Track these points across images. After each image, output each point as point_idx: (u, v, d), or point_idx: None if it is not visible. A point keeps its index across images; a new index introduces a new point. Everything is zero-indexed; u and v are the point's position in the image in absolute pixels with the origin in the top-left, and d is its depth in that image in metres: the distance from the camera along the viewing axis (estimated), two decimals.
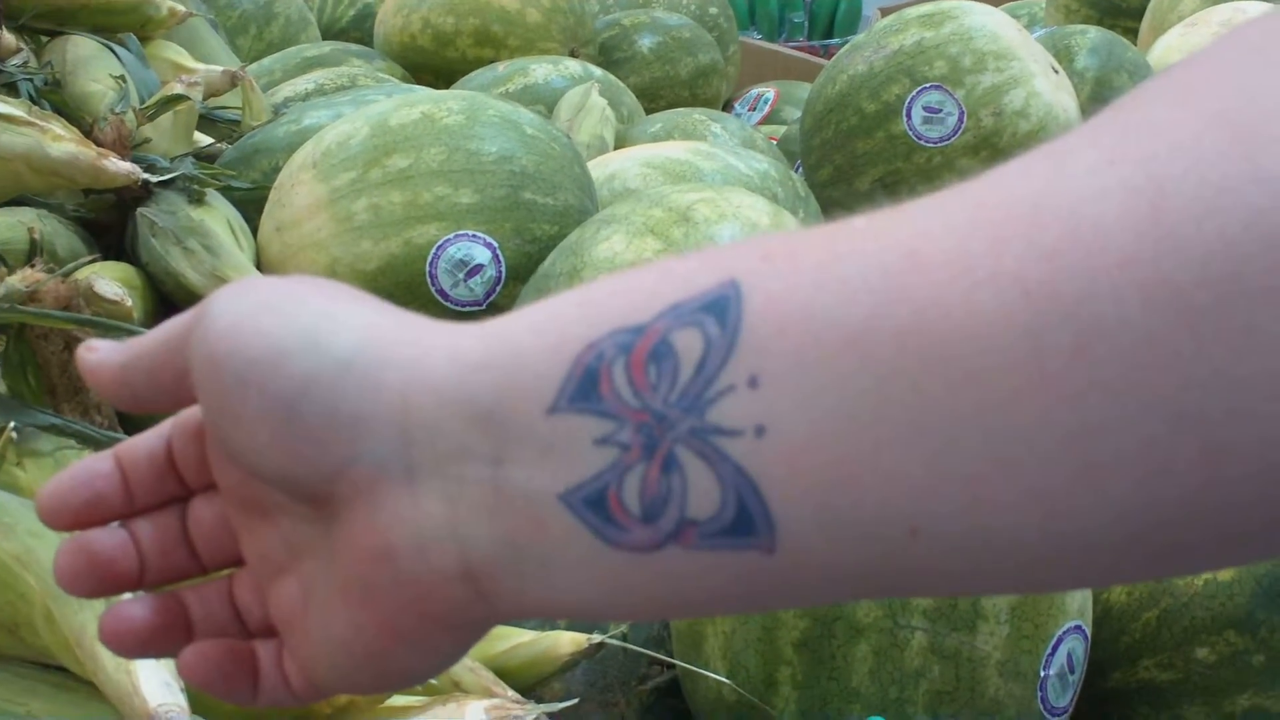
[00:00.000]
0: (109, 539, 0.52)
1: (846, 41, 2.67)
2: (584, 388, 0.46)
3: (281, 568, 0.50)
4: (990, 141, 1.30)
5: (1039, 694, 0.81)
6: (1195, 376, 0.42)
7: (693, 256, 0.47)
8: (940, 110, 1.31)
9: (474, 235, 1.09)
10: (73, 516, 0.52)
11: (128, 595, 0.53)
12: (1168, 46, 1.59)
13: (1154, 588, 0.89)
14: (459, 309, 1.11)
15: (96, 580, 0.52)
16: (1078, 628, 0.82)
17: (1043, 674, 0.81)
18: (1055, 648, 0.81)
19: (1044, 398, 0.42)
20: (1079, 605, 0.83)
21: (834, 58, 1.43)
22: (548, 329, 0.47)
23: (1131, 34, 1.84)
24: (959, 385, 0.43)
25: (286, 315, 0.48)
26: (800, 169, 1.47)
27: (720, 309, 0.45)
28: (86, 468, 0.53)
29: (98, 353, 0.53)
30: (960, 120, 1.30)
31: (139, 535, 0.53)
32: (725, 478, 0.44)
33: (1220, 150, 0.43)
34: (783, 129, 1.86)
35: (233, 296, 0.49)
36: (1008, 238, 0.44)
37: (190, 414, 0.53)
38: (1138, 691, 0.88)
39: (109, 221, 1.18)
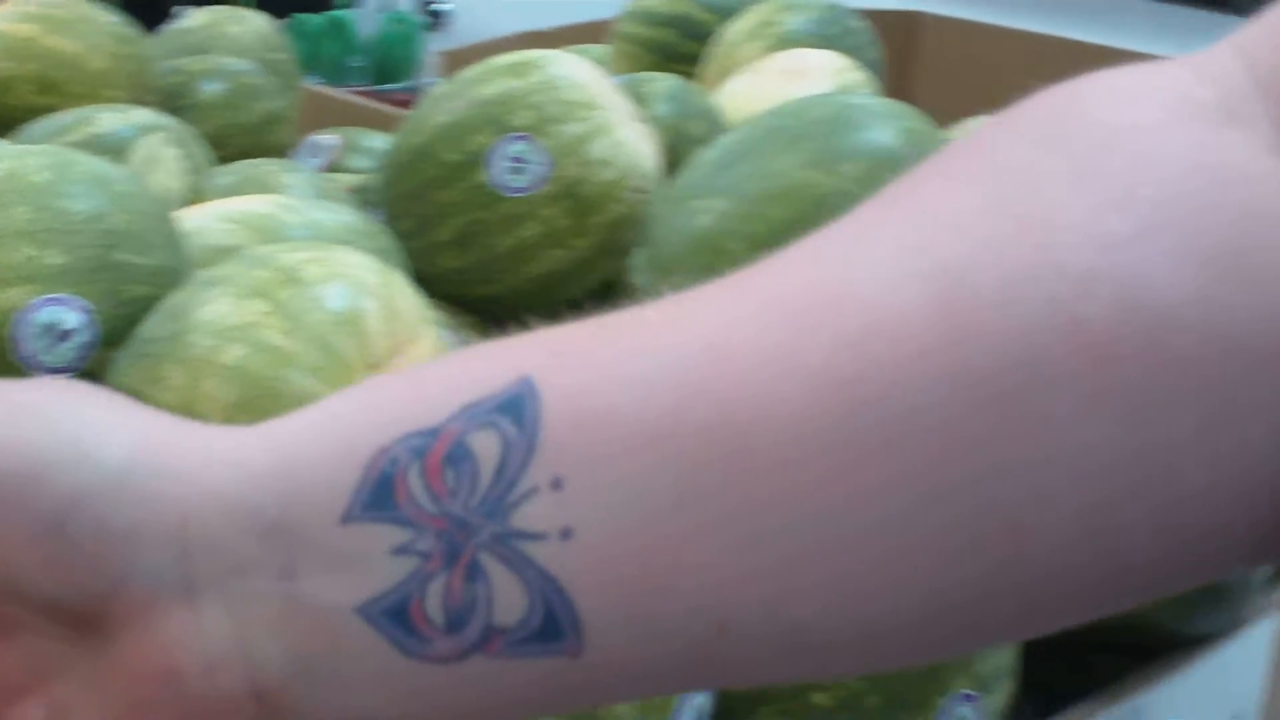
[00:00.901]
0: None
1: (411, 86, 2.67)
2: (378, 495, 0.44)
3: (23, 689, 0.46)
4: (573, 191, 1.31)
5: None
6: (996, 462, 0.44)
7: (478, 353, 0.46)
8: (525, 160, 1.32)
9: (63, 299, 1.05)
10: None
11: None
12: (733, 93, 1.64)
13: None
14: (51, 375, 1.06)
15: None
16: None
17: None
18: (681, 706, 0.82)
19: (847, 487, 0.44)
20: None
21: (417, 107, 1.43)
22: (335, 434, 0.45)
23: (688, 79, 1.89)
24: (764, 477, 0.44)
25: (49, 424, 0.45)
26: (382, 218, 1.46)
27: (516, 409, 0.44)
28: None
29: None
30: (545, 170, 1.31)
31: None
32: (531, 583, 0.44)
33: (1009, 239, 0.45)
34: (348, 177, 1.84)
35: None
36: (809, 329, 0.44)
37: None
38: None
39: None
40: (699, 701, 0.83)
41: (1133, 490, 0.45)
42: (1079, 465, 0.44)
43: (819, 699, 0.87)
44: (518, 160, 1.32)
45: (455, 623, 0.44)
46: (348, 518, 0.44)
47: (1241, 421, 0.45)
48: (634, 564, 0.44)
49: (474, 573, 0.44)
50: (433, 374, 0.47)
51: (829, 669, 0.50)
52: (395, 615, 0.44)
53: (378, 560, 0.44)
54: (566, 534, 0.44)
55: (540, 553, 0.44)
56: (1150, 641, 1.06)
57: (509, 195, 1.32)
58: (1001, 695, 0.92)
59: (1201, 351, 0.44)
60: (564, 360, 0.45)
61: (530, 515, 0.44)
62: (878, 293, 0.45)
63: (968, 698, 0.88)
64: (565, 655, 0.45)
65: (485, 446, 0.44)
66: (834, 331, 0.45)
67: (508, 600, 0.44)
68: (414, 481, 0.44)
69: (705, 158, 1.23)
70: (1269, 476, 0.46)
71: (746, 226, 1.13)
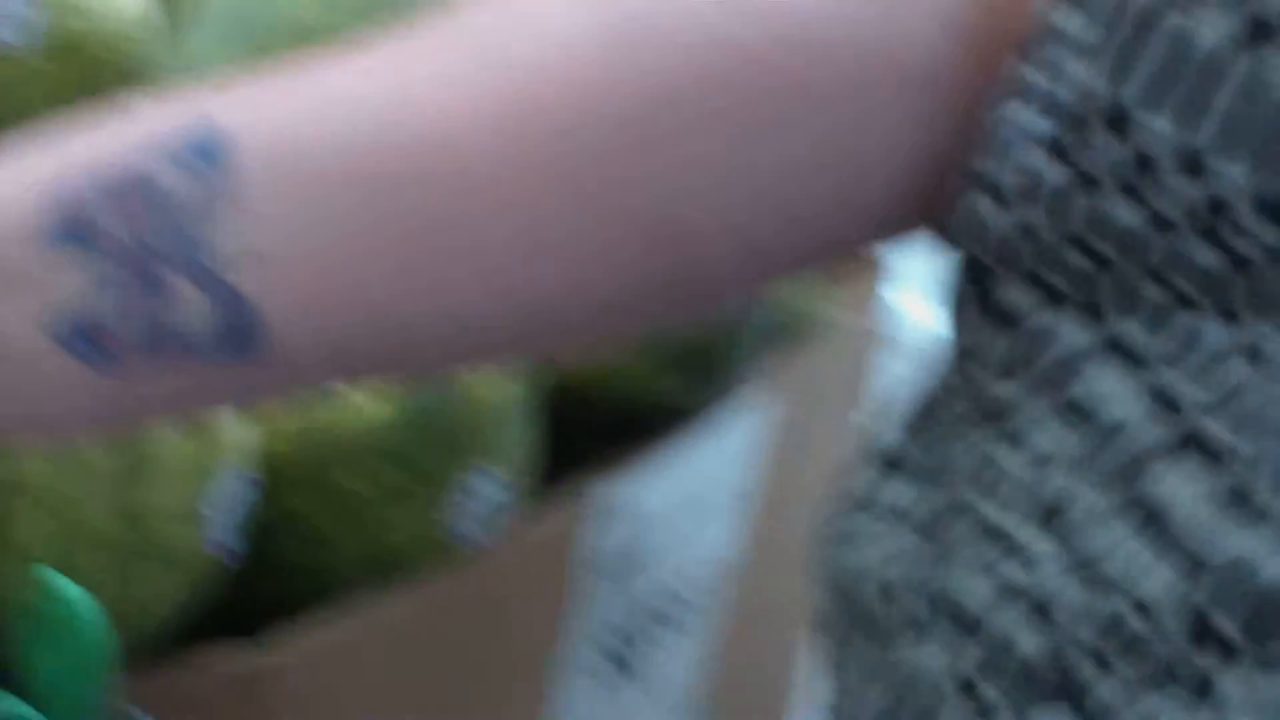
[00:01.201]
0: None
1: None
2: (68, 226, 0.47)
3: None
4: (74, 43, 1.30)
5: (207, 534, 0.87)
6: (666, 182, 0.49)
7: (162, 102, 0.49)
8: (18, 16, 1.31)
9: None
10: None
11: None
12: None
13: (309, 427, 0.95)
14: None
15: None
16: (243, 472, 0.89)
17: (209, 515, 0.87)
18: (219, 490, 0.87)
19: (520, 217, 0.49)
20: (240, 448, 0.89)
21: None
22: (22, 174, 0.48)
23: None
24: (440, 202, 0.50)
25: None
26: None
27: (205, 148, 0.48)
28: None
29: None
30: (41, 26, 1.30)
31: None
32: (223, 301, 0.47)
33: None
34: None
35: None
36: (486, 78, 0.49)
37: None
38: (288, 525, 0.95)
39: None
40: (234, 487, 0.88)
41: (809, 200, 0.51)
42: (742, 183, 0.50)
43: (352, 484, 0.92)
44: (9, 16, 1.30)
45: (146, 340, 0.47)
46: (37, 246, 0.47)
47: (859, 132, 0.51)
48: (317, 279, 0.48)
49: (166, 293, 0.47)
50: (120, 121, 0.49)
51: (491, 357, 0.56)
52: (81, 332, 0.47)
53: (68, 284, 0.47)
54: (256, 256, 0.47)
55: (232, 275, 0.47)
56: (641, 417, 1.12)
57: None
58: (514, 471, 0.98)
59: (833, 69, 0.50)
60: (247, 103, 0.49)
61: (222, 242, 0.47)
62: (544, 35, 0.50)
63: (484, 473, 0.94)
64: (253, 365, 0.49)
65: (175, 181, 0.47)
66: (511, 75, 0.49)
67: (198, 317, 0.47)
68: (104, 214, 0.47)
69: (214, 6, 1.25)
70: (885, 178, 0.53)
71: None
